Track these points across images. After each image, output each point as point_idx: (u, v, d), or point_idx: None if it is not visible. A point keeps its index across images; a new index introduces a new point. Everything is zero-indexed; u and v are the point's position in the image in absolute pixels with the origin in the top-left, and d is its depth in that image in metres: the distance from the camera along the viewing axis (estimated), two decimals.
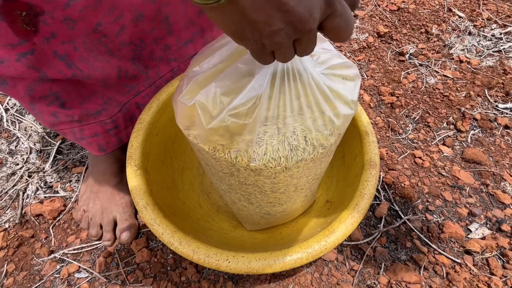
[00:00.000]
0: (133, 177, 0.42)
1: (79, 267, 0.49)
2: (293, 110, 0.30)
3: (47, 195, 0.55)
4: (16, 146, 0.62)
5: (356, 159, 0.46)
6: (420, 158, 0.62)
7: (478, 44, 0.84)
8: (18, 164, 0.59)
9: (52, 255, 0.50)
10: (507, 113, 0.69)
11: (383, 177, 0.59)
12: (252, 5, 0.18)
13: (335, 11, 0.20)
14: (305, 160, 0.30)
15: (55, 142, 0.62)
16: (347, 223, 0.37)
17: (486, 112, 0.69)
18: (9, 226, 0.52)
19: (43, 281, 0.48)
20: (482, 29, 0.87)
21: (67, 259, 0.49)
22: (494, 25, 0.88)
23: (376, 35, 0.85)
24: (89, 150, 0.50)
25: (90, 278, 0.48)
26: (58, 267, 0.49)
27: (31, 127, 0.64)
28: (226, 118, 0.26)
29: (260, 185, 0.33)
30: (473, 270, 0.47)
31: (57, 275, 0.48)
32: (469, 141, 0.65)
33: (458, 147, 0.64)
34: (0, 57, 0.30)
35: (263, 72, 0.27)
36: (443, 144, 0.64)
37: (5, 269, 0.48)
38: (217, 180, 0.38)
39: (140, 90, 0.49)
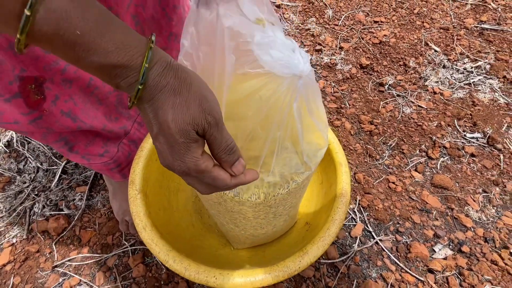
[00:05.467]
0: (134, 201, 0.47)
1: (80, 280, 0.53)
2: (271, 151, 0.36)
3: (52, 213, 0.60)
4: (24, 166, 0.67)
5: (331, 186, 0.52)
6: (393, 183, 0.68)
7: (451, 76, 0.92)
8: (25, 183, 0.64)
9: (56, 269, 0.54)
10: (473, 142, 0.76)
11: (359, 200, 0.65)
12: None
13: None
14: (281, 194, 0.36)
15: (60, 162, 0.67)
16: (318, 245, 0.43)
17: (455, 141, 0.77)
18: (16, 241, 0.57)
19: None
20: (455, 62, 0.95)
21: (69, 272, 0.54)
22: (466, 59, 0.96)
23: (359, 67, 0.93)
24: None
25: None
26: (60, 280, 0.53)
27: (38, 147, 0.70)
28: None
29: (244, 212, 0.39)
30: None
31: None
32: (438, 167, 0.72)
33: (429, 173, 0.71)
34: (16, 119, 0.36)
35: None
36: (415, 170, 0.71)
37: (11, 282, 0.53)
38: (208, 206, 0.44)
39: (128, 129, 0.55)
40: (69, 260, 0.55)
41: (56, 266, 0.55)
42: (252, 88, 0.31)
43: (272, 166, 0.36)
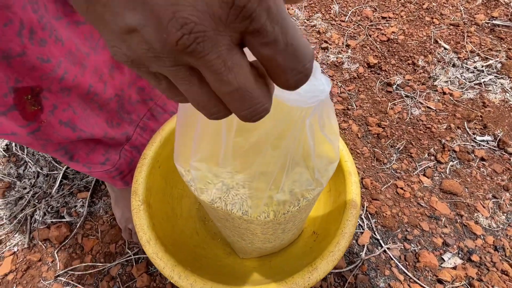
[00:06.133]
0: (137, 212, 0.46)
1: None
2: (282, 166, 0.34)
3: (54, 220, 0.59)
4: (24, 170, 0.65)
5: (340, 196, 0.50)
6: (401, 188, 0.67)
7: (461, 76, 0.89)
8: (25, 188, 0.62)
9: (58, 279, 0.53)
10: (483, 146, 0.74)
11: (366, 207, 0.64)
12: None
13: (260, 31, 0.12)
14: (291, 212, 0.35)
15: (61, 167, 0.66)
16: (328, 260, 0.41)
17: (464, 144, 0.75)
18: (17, 250, 0.56)
19: None
20: (465, 61, 0.93)
21: (72, 282, 0.53)
22: (477, 58, 0.93)
23: (366, 66, 0.90)
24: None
25: None
26: None
27: (38, 152, 0.68)
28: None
29: (252, 229, 0.38)
30: None
31: None
32: (447, 172, 0.70)
33: (437, 178, 0.69)
34: (13, 131, 0.35)
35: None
36: (424, 175, 0.70)
37: None
38: (214, 219, 0.43)
39: (130, 135, 0.53)
40: (71, 269, 0.55)
41: (58, 276, 0.54)
42: None
43: (282, 183, 0.34)
